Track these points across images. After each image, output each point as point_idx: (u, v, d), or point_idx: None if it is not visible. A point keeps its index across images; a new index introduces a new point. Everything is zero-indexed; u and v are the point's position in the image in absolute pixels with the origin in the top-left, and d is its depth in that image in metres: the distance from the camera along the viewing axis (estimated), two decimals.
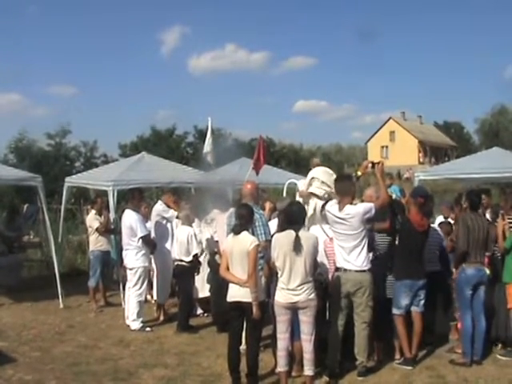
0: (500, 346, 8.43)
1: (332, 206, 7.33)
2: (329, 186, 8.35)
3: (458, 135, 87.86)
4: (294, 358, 7.19)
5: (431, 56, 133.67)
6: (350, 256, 7.19)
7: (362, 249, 7.21)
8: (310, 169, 9.51)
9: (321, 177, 8.72)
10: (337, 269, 7.31)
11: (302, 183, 9.53)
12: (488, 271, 8.05)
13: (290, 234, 6.62)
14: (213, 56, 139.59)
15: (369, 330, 7.33)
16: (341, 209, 7.19)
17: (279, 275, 6.68)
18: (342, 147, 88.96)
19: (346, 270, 7.20)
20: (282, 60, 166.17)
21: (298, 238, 6.55)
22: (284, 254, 6.59)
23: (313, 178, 8.73)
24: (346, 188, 7.32)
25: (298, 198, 8.77)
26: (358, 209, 7.17)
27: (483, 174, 13.53)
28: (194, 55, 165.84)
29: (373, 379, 7.30)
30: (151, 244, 9.96)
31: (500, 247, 8.25)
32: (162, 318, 10.36)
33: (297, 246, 6.53)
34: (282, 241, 6.66)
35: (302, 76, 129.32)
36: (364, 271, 7.22)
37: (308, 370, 6.74)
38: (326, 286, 7.46)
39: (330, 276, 7.54)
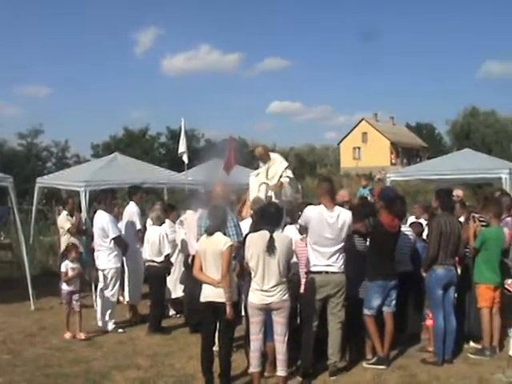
0: (471, 344, 8.54)
1: (319, 209, 7.32)
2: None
3: (430, 136, 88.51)
4: (267, 359, 7.20)
5: (404, 57, 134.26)
6: (332, 259, 7.21)
7: (342, 251, 7.28)
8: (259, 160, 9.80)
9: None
10: (313, 272, 7.29)
11: (253, 180, 9.72)
12: (459, 271, 8.17)
13: (264, 234, 6.62)
14: (187, 57, 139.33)
15: (342, 329, 7.39)
16: (329, 211, 7.25)
17: (253, 276, 6.67)
18: (315, 148, 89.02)
19: (327, 272, 7.21)
20: (257, 61, 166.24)
21: (272, 238, 6.55)
22: (258, 254, 6.58)
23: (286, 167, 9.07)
24: (332, 190, 7.43)
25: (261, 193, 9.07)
26: (348, 213, 7.31)
27: (454, 175, 13.73)
28: (168, 56, 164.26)
29: (345, 379, 7.33)
30: (123, 245, 9.90)
31: (471, 248, 8.38)
32: (134, 319, 10.31)
33: (271, 247, 6.53)
34: (256, 241, 6.66)
35: (276, 77, 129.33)
36: (343, 272, 7.29)
37: (281, 371, 6.75)
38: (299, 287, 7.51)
39: (301, 276, 7.58)
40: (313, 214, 7.28)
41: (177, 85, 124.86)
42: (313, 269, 7.28)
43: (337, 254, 7.23)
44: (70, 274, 9.34)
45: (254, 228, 7.10)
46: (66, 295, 9.41)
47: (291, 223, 8.39)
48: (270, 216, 6.81)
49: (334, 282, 7.23)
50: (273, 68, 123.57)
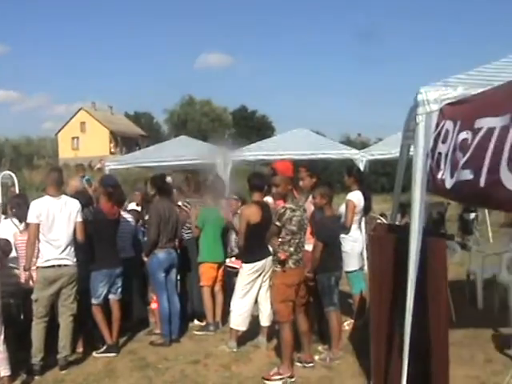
0: (195, 322, 9.05)
1: (45, 200, 7.21)
2: None
3: (149, 125, 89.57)
4: None
5: (122, 46, 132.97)
6: (65, 252, 7.17)
7: (73, 243, 7.28)
8: None
9: None
10: (45, 266, 7.14)
11: None
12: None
13: None
14: None
15: (74, 322, 7.40)
16: (57, 200, 7.21)
17: None
18: (32, 139, 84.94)
19: (60, 265, 7.14)
20: None
21: None
22: None
23: None
24: (60, 179, 7.41)
25: None
26: (76, 202, 7.35)
27: (172, 162, 14.27)
28: None
29: (76, 371, 7.30)
30: None
31: (194, 229, 8.89)
32: None
33: None
34: None
35: None
36: (76, 265, 7.29)
37: (3, 370, 6.53)
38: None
39: (22, 269, 7.40)
40: (41, 206, 7.17)
41: None
42: (45, 264, 7.15)
43: (69, 247, 7.22)
44: None
45: None
46: None
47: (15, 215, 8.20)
48: None
49: (68, 275, 7.20)
50: None
